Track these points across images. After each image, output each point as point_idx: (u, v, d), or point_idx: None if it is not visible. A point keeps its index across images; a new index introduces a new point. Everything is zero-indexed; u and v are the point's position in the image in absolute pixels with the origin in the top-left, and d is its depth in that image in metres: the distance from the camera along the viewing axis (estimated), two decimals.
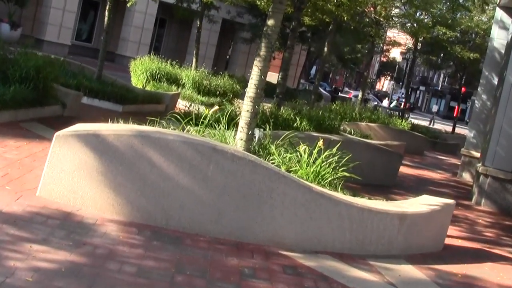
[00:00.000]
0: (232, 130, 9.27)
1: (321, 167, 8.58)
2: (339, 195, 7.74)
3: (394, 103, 62.93)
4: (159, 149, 6.85)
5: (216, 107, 9.19)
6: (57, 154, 6.99)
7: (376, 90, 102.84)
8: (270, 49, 8.65)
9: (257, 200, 7.01)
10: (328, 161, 8.76)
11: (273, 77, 51.01)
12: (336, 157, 8.88)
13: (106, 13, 17.73)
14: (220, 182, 6.94)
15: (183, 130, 8.78)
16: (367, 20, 24.94)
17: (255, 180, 6.99)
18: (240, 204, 6.99)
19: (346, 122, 20.44)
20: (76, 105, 13.76)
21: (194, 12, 27.31)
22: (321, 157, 8.71)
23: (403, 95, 68.73)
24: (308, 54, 46.94)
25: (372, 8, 23.32)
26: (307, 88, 47.85)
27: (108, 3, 17.68)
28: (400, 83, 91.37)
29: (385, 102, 63.57)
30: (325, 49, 21.09)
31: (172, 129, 8.24)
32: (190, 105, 14.61)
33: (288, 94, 31.93)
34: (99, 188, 6.90)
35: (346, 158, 9.02)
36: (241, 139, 8.64)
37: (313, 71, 70.00)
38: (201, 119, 9.13)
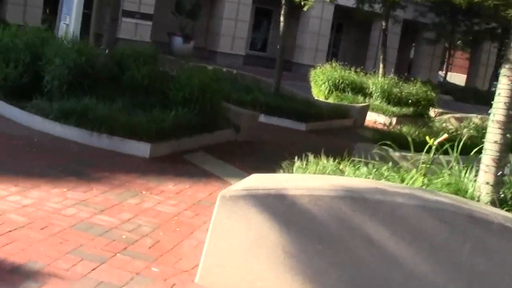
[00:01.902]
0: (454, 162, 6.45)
1: None
2: None
3: None
4: (380, 218, 4.27)
5: (445, 135, 6.45)
6: (223, 223, 4.63)
7: None
8: None
9: None
10: None
11: (457, 78, 47.06)
12: None
13: (282, 18, 15.49)
14: (482, 270, 4.23)
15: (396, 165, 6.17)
16: None
17: None
18: None
19: None
20: (252, 127, 11.53)
21: (375, 14, 24.65)
22: None
23: None
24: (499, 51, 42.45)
25: None
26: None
27: (283, 7, 15.43)
28: None
29: None
30: None
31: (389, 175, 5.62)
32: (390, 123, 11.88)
33: (479, 97, 28.30)
34: (286, 276, 4.44)
35: None
36: (487, 183, 5.84)
37: None
38: (424, 150, 6.42)
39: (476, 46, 41.81)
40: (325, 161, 6.90)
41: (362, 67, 25.96)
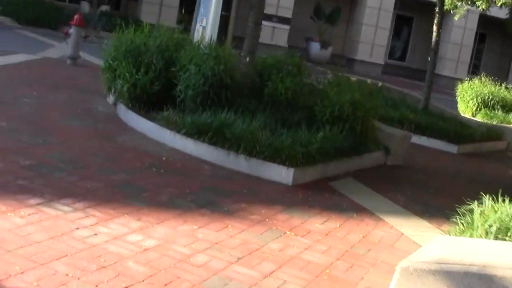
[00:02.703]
0: None
1: None
2: None
3: None
4: None
5: None
6: None
7: None
8: None
9: None
10: None
11: None
12: None
13: (434, 28, 13.98)
14: None
15: None
16: None
17: None
18: None
19: None
20: (403, 149, 10.13)
21: None
22: None
23: None
24: None
25: None
26: None
27: (437, 16, 13.90)
28: None
29: None
30: None
31: None
32: None
33: None
34: None
35: None
36: None
37: None
38: None
39: None
40: (508, 208, 5.51)
41: (503, 79, 23.83)
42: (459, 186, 9.56)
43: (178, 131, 7.88)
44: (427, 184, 9.32)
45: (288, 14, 29.43)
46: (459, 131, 12.73)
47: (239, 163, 7.40)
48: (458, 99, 19.19)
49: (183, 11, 27.26)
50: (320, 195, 7.28)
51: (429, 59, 14.05)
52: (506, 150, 14.21)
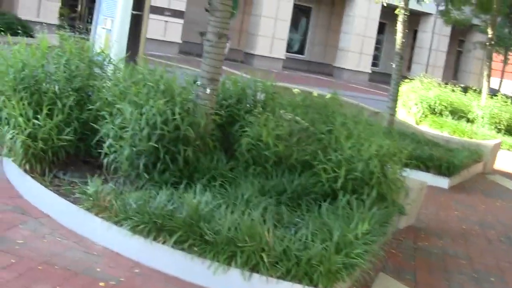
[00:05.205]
0: None
1: None
2: None
3: None
4: None
5: None
6: None
7: None
8: None
9: None
10: None
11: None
12: None
13: (399, 28, 11.34)
14: None
15: None
16: None
17: None
18: None
19: None
20: (419, 204, 7.44)
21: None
22: None
23: None
24: None
25: None
26: None
27: (402, 14, 11.27)
28: None
29: None
30: None
31: None
32: None
33: None
34: None
35: None
36: None
37: None
38: None
39: None
40: None
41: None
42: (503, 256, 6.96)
43: (117, 223, 4.73)
44: (473, 267, 6.51)
45: (181, 7, 26.25)
46: (449, 159, 10.07)
47: (231, 282, 4.35)
48: (399, 103, 16.81)
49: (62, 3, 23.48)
50: None
51: (393, 65, 11.36)
52: (483, 172, 11.86)
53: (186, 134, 5.22)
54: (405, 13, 11.19)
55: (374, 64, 34.03)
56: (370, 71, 32.68)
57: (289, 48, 31.86)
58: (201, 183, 5.05)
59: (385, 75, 35.70)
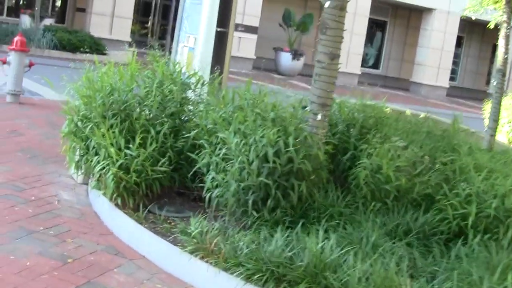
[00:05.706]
0: None
1: None
2: None
3: None
4: None
5: None
6: None
7: None
8: None
9: None
10: None
11: None
12: None
13: (501, 43, 10.47)
14: None
15: None
16: None
17: None
18: None
19: None
20: None
21: None
22: None
23: None
24: None
25: None
26: None
27: (505, 28, 10.39)
28: None
29: None
30: None
31: None
32: None
33: None
34: None
35: None
36: None
37: None
38: None
39: None
40: None
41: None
42: None
43: (227, 269, 4.16)
44: None
45: (255, 22, 25.82)
46: None
47: None
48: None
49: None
50: None
51: (494, 82, 10.50)
52: None
53: (300, 167, 4.62)
54: (508, 27, 10.36)
55: (451, 79, 32.93)
56: (448, 86, 31.59)
57: (364, 63, 31.11)
58: (320, 224, 4.43)
59: (463, 90, 34.59)
